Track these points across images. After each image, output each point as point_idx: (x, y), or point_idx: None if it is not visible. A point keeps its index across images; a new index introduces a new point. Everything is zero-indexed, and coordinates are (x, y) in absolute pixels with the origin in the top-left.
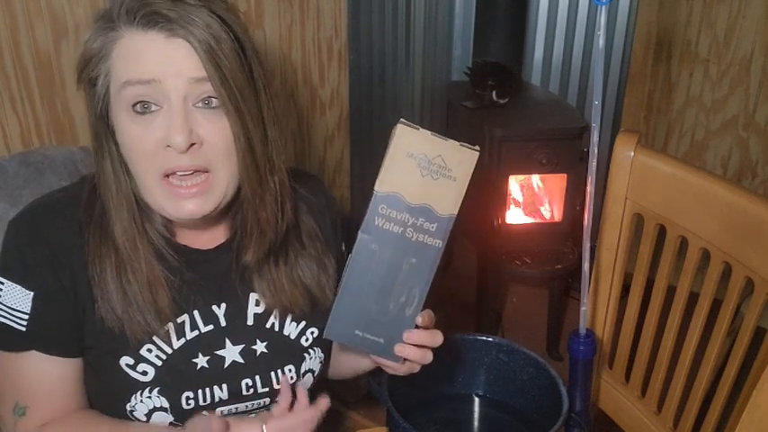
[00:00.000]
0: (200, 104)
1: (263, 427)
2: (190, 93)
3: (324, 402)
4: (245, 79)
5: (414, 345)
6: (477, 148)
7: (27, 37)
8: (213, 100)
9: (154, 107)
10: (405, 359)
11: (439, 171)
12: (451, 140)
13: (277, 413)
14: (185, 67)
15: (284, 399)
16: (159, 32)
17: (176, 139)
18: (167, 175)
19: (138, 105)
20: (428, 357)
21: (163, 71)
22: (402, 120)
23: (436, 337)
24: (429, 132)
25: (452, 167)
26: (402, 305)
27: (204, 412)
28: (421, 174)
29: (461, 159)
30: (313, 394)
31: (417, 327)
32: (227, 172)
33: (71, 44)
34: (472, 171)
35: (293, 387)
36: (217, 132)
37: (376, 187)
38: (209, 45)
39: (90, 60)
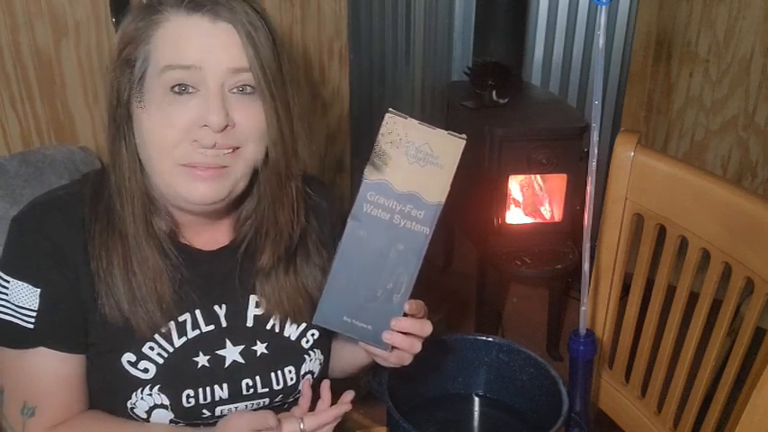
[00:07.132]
0: (234, 90)
1: (301, 424)
2: (227, 80)
3: (349, 395)
4: (277, 70)
5: (402, 333)
6: (463, 136)
7: (27, 37)
8: (248, 87)
9: (191, 89)
10: (393, 347)
11: (426, 159)
12: (439, 129)
13: (299, 413)
14: (225, 57)
15: (306, 398)
16: (203, 16)
17: (213, 118)
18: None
19: (177, 87)
20: (416, 347)
21: (203, 59)
22: (390, 109)
23: (425, 327)
24: (416, 121)
25: (439, 155)
26: (389, 292)
27: (230, 408)
28: (408, 161)
29: (448, 147)
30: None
31: (406, 315)
32: (254, 152)
33: (71, 44)
34: (459, 159)
35: (319, 386)
36: (250, 116)
37: (365, 174)
38: (249, 32)
39: (131, 42)
